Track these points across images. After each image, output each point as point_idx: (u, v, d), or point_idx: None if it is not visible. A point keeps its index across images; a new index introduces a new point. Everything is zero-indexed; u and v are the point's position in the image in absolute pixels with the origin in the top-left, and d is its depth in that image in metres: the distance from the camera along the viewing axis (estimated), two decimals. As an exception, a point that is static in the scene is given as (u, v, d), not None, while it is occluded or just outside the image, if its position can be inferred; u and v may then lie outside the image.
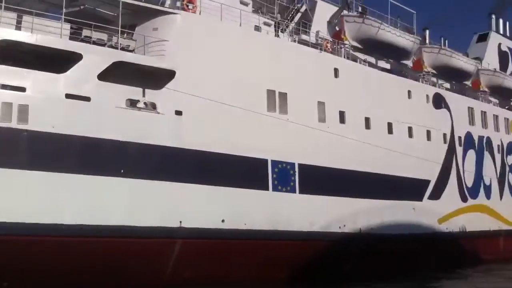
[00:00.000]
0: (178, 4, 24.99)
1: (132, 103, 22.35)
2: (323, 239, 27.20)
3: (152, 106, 22.86)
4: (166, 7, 24.64)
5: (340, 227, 28.34)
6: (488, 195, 40.12)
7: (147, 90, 22.76)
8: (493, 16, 51.59)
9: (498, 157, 42.03)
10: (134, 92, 22.47)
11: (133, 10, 23.83)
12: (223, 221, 23.94)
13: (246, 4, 28.02)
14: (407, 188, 32.92)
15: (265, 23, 28.84)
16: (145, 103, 22.67)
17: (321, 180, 27.93)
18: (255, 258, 24.41)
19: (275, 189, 26.06)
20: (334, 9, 33.47)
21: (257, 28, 28.16)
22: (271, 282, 24.79)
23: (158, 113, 22.91)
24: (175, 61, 23.41)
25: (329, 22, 33.20)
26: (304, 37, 30.61)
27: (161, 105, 22.99)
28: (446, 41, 43.61)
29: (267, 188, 25.79)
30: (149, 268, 21.89)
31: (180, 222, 22.76)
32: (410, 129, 34.05)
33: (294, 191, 26.74)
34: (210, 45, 24.81)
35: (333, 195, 28.30)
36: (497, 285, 28.40)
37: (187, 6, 24.68)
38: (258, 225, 25.10)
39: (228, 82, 25.10)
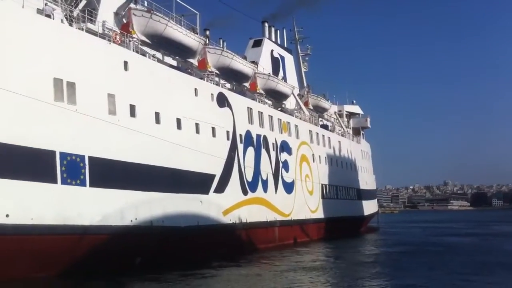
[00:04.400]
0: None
1: None
2: (113, 232, 26.52)
3: None
4: None
5: (131, 220, 27.89)
6: (265, 189, 43.04)
7: None
8: (266, 24, 55.84)
9: (273, 154, 45.34)
10: None
11: None
12: (7, 215, 22.02)
13: None
14: (195, 182, 33.72)
15: (47, 6, 27.03)
16: None
17: (112, 174, 27.13)
18: (42, 254, 22.97)
19: (64, 182, 24.58)
20: (122, 0, 32.90)
21: (40, 12, 26.31)
22: (66, 276, 23.83)
23: None
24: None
25: (116, 14, 32.55)
26: (90, 26, 29.48)
27: None
28: (225, 43, 45.76)
29: (55, 181, 24.24)
30: None
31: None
32: (197, 125, 34.97)
33: (85, 185, 25.54)
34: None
35: (125, 189, 27.70)
36: (270, 269, 30.54)
37: None
38: (46, 219, 23.56)
39: (9, 68, 23.14)
